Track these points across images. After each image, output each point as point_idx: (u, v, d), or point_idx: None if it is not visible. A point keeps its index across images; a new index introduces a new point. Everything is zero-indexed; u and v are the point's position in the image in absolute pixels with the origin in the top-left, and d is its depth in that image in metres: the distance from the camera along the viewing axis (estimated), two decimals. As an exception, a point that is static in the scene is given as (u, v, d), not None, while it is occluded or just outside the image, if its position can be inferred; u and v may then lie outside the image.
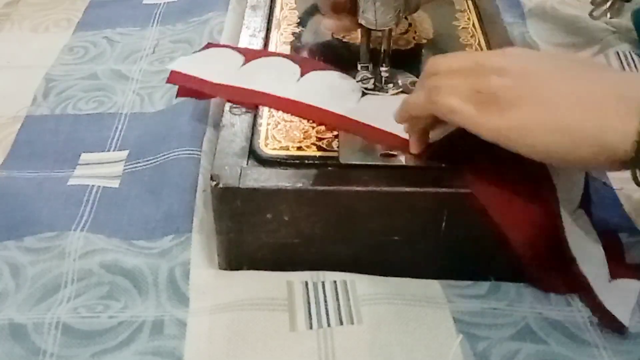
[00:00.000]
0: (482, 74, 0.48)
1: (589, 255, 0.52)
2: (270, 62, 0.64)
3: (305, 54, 0.66)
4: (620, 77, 0.49)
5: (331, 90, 0.60)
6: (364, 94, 0.60)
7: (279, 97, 0.59)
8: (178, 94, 0.67)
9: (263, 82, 0.61)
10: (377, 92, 0.59)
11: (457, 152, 0.51)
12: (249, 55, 0.65)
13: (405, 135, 0.55)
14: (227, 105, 0.59)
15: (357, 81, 0.59)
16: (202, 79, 0.64)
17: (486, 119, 0.47)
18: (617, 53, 0.78)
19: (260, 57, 0.65)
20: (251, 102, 0.59)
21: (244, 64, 0.64)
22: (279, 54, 0.65)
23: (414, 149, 0.54)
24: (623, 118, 0.44)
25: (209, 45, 0.68)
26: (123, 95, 0.74)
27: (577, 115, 0.45)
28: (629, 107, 0.44)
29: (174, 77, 0.65)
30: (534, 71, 0.48)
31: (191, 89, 0.64)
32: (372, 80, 0.59)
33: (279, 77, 0.61)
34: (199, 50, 0.68)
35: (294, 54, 0.66)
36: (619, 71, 0.52)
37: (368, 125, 0.56)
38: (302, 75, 0.61)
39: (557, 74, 0.48)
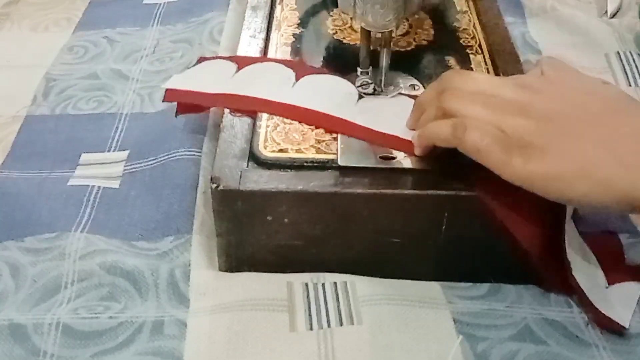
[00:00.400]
0: (507, 111, 0.48)
1: (583, 260, 0.52)
2: (264, 68, 0.63)
3: (299, 58, 0.65)
4: None
5: (327, 93, 0.59)
6: (362, 96, 0.59)
7: (275, 102, 0.58)
8: (177, 112, 0.65)
9: (258, 88, 0.60)
10: (375, 94, 0.59)
11: (459, 153, 0.51)
12: (242, 62, 0.64)
13: (405, 136, 0.55)
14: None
15: (357, 87, 0.59)
16: (197, 92, 0.62)
17: (511, 164, 0.47)
18: (618, 53, 0.78)
19: (253, 63, 0.64)
20: (248, 108, 0.58)
21: (237, 71, 0.63)
22: (272, 60, 0.64)
23: (418, 152, 0.54)
24: None
25: (201, 60, 0.67)
26: (123, 95, 0.74)
27: (606, 168, 0.45)
28: None
29: (170, 95, 0.63)
30: (560, 113, 0.48)
31: (189, 104, 0.63)
32: (372, 86, 0.59)
33: (274, 83, 0.61)
34: (192, 66, 0.67)
35: (288, 59, 0.65)
36: None
37: (367, 127, 0.56)
38: (297, 79, 0.61)
39: (585, 118, 0.47)
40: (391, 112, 0.57)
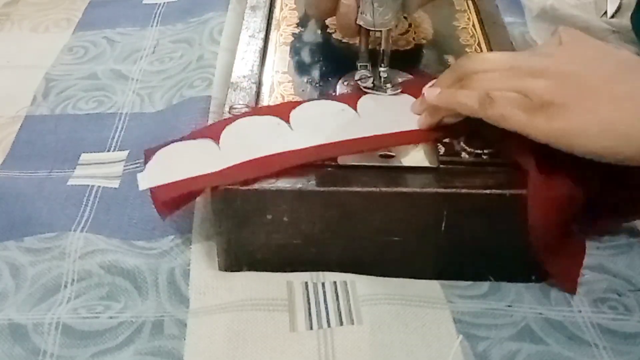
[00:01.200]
0: (527, 76, 0.50)
1: None
2: (250, 125, 0.57)
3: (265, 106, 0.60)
4: None
5: (324, 119, 0.57)
6: (363, 93, 0.59)
7: (288, 152, 0.54)
8: (162, 212, 0.55)
9: (257, 146, 0.54)
10: (376, 92, 0.59)
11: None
12: (214, 132, 0.56)
13: (405, 128, 0.55)
14: (227, 106, 0.59)
15: (356, 80, 0.59)
16: (184, 180, 0.53)
17: (536, 124, 0.49)
18: (618, 53, 0.78)
19: (225, 127, 0.56)
20: (260, 172, 0.52)
21: (217, 144, 0.55)
22: (248, 114, 0.58)
23: (424, 125, 0.55)
24: None
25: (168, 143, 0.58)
26: (123, 95, 0.74)
27: (626, 122, 0.47)
28: None
29: (160, 195, 0.53)
30: (577, 72, 0.50)
31: (177, 197, 0.54)
32: (370, 79, 0.59)
33: (270, 135, 0.55)
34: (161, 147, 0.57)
35: (265, 107, 0.59)
36: None
37: (369, 137, 0.55)
38: (288, 122, 0.57)
39: (602, 76, 0.49)
40: (392, 111, 0.57)
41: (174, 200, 0.54)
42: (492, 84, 0.51)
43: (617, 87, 0.49)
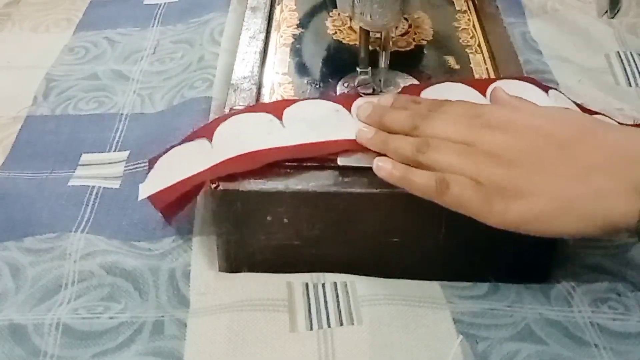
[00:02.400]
0: (481, 161, 0.48)
1: None
2: (240, 123, 0.57)
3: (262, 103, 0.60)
4: (620, 147, 0.48)
5: (317, 118, 0.56)
6: (359, 95, 0.59)
7: (276, 148, 0.54)
8: (167, 217, 0.57)
9: (247, 142, 0.54)
10: (374, 94, 0.59)
11: None
12: (208, 131, 0.57)
13: None
14: (227, 107, 0.59)
15: (357, 86, 0.59)
16: (182, 181, 0.54)
17: (494, 212, 0.47)
18: (618, 53, 0.78)
19: (219, 125, 0.57)
20: (246, 167, 0.53)
21: (210, 142, 0.56)
22: (242, 111, 0.58)
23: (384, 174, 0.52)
24: (626, 200, 0.45)
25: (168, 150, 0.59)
26: (123, 96, 0.74)
27: (585, 202, 0.46)
28: (630, 187, 0.45)
29: (157, 202, 0.55)
30: (530, 152, 0.48)
31: (173, 201, 0.55)
32: (371, 85, 0.59)
33: (261, 131, 0.55)
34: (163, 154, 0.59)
35: (260, 105, 0.60)
36: (619, 131, 0.51)
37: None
38: (281, 119, 0.56)
39: (555, 151, 0.48)
40: None
41: (171, 205, 0.55)
42: (444, 161, 0.49)
43: (572, 162, 0.47)
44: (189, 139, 0.58)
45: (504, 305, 0.53)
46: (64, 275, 0.55)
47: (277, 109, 0.57)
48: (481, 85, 0.58)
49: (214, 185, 0.51)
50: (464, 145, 0.50)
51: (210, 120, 0.61)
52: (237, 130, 0.56)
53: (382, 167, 0.51)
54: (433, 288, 0.54)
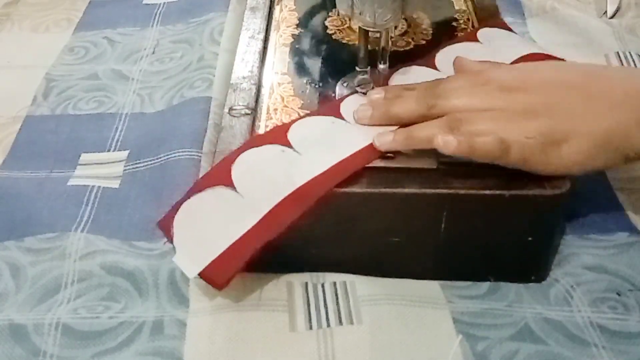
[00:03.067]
0: (520, 120, 0.50)
1: None
2: (257, 160, 0.54)
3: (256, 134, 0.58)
4: (626, 83, 0.52)
5: (323, 136, 0.55)
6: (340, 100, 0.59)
7: (313, 183, 0.51)
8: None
9: (275, 186, 0.52)
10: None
11: None
12: (221, 176, 0.53)
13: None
14: (227, 107, 0.59)
15: (356, 86, 0.59)
16: (229, 249, 0.50)
17: (551, 161, 0.50)
18: (618, 53, 0.78)
19: (230, 168, 0.53)
20: (296, 213, 0.51)
21: (234, 188, 0.52)
22: (246, 148, 0.54)
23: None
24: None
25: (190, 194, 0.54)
26: (123, 96, 0.74)
27: (613, 135, 0.50)
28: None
29: (215, 278, 0.50)
30: (560, 102, 0.51)
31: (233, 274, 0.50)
32: (370, 85, 0.59)
33: (281, 165, 0.53)
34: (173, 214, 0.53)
35: (258, 137, 0.56)
36: (616, 71, 0.58)
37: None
38: (290, 146, 0.54)
39: (577, 98, 0.51)
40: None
41: (230, 277, 0.50)
42: (487, 128, 0.50)
43: (592, 104, 0.51)
44: (200, 188, 0.53)
45: (503, 305, 0.53)
46: (63, 275, 0.55)
47: (280, 136, 0.55)
48: (430, 61, 0.61)
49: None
50: (494, 111, 0.51)
51: (213, 164, 0.55)
52: (257, 171, 0.53)
53: (447, 140, 0.50)
54: (433, 288, 0.54)
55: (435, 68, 0.61)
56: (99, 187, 0.63)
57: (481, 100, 0.52)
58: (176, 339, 0.50)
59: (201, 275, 0.50)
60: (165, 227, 0.52)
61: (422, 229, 0.52)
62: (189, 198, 0.53)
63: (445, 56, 0.62)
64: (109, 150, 0.68)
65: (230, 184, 0.52)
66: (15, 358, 0.49)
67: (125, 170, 0.65)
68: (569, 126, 0.50)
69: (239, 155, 0.54)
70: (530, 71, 0.54)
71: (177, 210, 0.53)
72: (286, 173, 0.52)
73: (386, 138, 0.53)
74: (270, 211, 0.51)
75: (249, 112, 0.59)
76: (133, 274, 0.55)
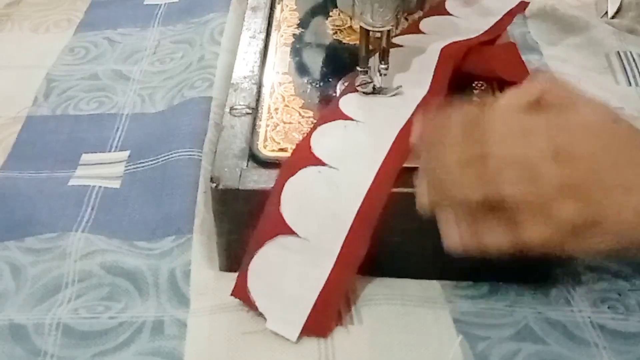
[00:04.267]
0: (555, 193, 0.43)
1: None
2: (306, 197, 0.52)
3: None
4: None
5: (348, 145, 0.54)
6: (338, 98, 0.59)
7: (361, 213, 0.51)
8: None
9: (334, 220, 0.51)
10: (375, 95, 0.59)
11: None
12: (275, 224, 0.51)
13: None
14: (227, 107, 0.59)
15: (357, 86, 0.59)
16: (319, 300, 0.50)
17: (574, 243, 0.43)
18: (618, 53, 0.78)
19: (279, 212, 0.51)
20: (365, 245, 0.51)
21: (295, 235, 0.51)
22: (281, 183, 0.52)
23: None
24: None
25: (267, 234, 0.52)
26: (124, 96, 0.74)
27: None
28: None
29: (318, 330, 0.50)
30: (599, 182, 0.44)
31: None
32: (371, 85, 0.59)
33: (324, 190, 0.52)
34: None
35: (285, 169, 0.53)
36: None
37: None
38: (324, 164, 0.53)
39: (618, 162, 0.44)
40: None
41: (332, 327, 0.50)
42: (516, 193, 0.43)
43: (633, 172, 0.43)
44: (260, 244, 0.51)
45: (504, 304, 0.53)
46: (64, 275, 0.55)
47: (307, 155, 0.53)
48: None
49: (214, 185, 0.51)
50: (532, 167, 0.43)
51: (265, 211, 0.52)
52: (309, 206, 0.51)
53: (452, 243, 0.46)
54: (433, 288, 0.54)
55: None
56: (100, 187, 0.63)
57: (526, 152, 0.44)
58: (176, 339, 0.50)
59: (303, 334, 0.49)
60: (243, 295, 0.51)
61: (423, 228, 0.52)
62: (252, 257, 0.51)
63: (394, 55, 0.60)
64: (109, 151, 0.68)
65: (289, 231, 0.51)
66: (15, 358, 0.49)
67: (126, 170, 0.65)
68: (606, 205, 0.43)
69: (281, 192, 0.51)
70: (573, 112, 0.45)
71: (246, 273, 0.51)
72: (336, 198, 0.51)
73: (454, 236, 0.48)
74: (342, 248, 0.50)
75: (250, 111, 0.59)
76: (133, 273, 0.55)
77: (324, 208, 0.51)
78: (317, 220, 0.51)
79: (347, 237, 0.50)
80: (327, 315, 0.50)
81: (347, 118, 0.56)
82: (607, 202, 0.43)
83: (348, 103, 0.58)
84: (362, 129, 0.56)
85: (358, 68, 0.59)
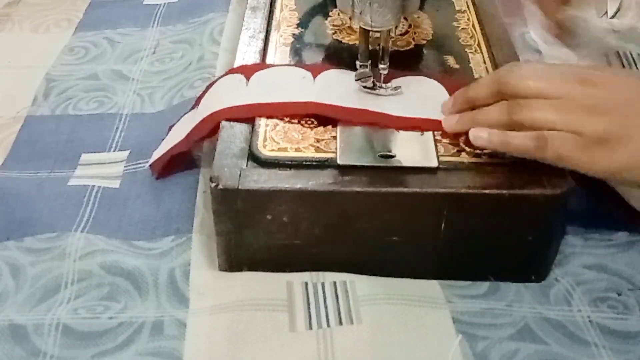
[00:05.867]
0: (579, 111, 0.49)
1: None
2: (275, 73, 0.62)
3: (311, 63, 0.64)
4: None
5: (350, 87, 0.59)
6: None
7: (301, 103, 0.58)
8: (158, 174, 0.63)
9: (279, 92, 0.59)
10: (375, 92, 0.59)
11: None
12: (249, 71, 0.62)
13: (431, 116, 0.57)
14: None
15: (356, 80, 0.59)
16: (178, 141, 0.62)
17: (596, 161, 0.49)
18: (618, 53, 0.78)
19: (261, 69, 0.62)
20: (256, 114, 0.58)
21: (247, 81, 0.61)
22: (285, 65, 0.64)
23: (451, 129, 0.55)
24: None
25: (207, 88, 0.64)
26: (123, 96, 0.74)
27: None
28: None
29: (155, 167, 0.63)
30: (630, 102, 0.49)
31: (171, 158, 0.62)
32: (371, 79, 0.59)
33: (291, 83, 0.60)
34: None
35: (305, 64, 0.63)
36: None
37: (401, 117, 0.57)
38: (314, 77, 0.60)
39: None
40: (416, 96, 0.58)
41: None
42: (542, 118, 0.50)
43: None
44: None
45: (503, 304, 0.53)
46: (63, 275, 0.55)
47: (316, 70, 0.61)
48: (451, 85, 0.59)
49: (214, 184, 0.51)
50: (558, 100, 0.50)
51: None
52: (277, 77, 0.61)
53: (479, 135, 0.52)
54: (433, 287, 0.54)
55: None
56: (99, 187, 0.63)
57: (555, 86, 0.51)
58: (176, 339, 0.50)
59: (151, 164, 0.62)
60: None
61: (422, 228, 0.52)
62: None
63: None
64: (109, 151, 0.68)
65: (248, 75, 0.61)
66: (15, 358, 0.49)
67: (125, 170, 0.65)
68: (631, 129, 0.48)
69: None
70: (608, 72, 0.53)
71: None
72: (292, 88, 0.60)
73: (451, 121, 0.55)
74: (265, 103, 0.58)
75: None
76: (133, 273, 0.55)
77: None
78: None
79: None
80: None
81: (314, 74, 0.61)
82: (634, 121, 0.48)
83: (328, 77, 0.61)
84: (311, 84, 0.60)
85: (358, 62, 0.59)
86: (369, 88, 0.59)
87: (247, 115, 0.57)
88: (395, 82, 0.59)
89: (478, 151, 0.54)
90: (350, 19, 0.67)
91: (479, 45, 0.67)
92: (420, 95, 0.59)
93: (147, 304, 0.53)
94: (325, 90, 0.59)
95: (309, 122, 0.57)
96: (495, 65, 0.63)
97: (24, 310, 0.52)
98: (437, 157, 0.53)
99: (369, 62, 0.59)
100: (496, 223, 0.52)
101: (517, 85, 0.52)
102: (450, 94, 0.58)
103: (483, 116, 0.53)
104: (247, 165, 0.54)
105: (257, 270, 0.55)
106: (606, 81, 0.51)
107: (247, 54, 0.66)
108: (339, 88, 0.59)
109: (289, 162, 0.53)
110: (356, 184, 0.51)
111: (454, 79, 0.61)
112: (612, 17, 0.83)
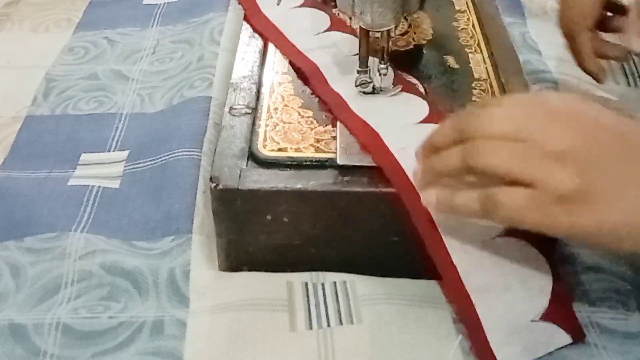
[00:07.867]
0: (539, 161, 0.42)
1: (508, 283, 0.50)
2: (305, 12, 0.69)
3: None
4: None
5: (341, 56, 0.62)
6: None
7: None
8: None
9: (292, 27, 0.66)
10: (374, 93, 0.59)
11: None
12: None
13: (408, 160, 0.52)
14: (227, 107, 0.59)
15: (356, 85, 0.59)
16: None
17: (555, 223, 0.42)
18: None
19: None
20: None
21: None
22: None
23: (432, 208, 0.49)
24: None
25: None
26: (123, 96, 0.74)
27: None
28: None
29: None
30: (599, 155, 0.42)
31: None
32: (371, 85, 0.59)
33: (305, 26, 0.66)
34: None
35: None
36: None
37: (373, 131, 0.55)
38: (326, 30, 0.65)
39: (622, 156, 0.42)
40: (393, 112, 0.57)
41: None
42: (497, 164, 0.43)
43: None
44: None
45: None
46: (63, 274, 0.55)
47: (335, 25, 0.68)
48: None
49: (214, 184, 0.51)
50: (521, 143, 0.43)
51: None
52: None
53: (428, 201, 0.48)
54: (433, 288, 0.54)
55: None
56: (99, 187, 0.63)
57: (516, 127, 0.44)
58: (176, 339, 0.50)
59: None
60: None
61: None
62: None
63: None
64: (109, 150, 0.68)
65: None
66: (15, 358, 0.49)
67: (125, 170, 0.65)
68: (600, 188, 0.41)
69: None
70: (590, 108, 0.45)
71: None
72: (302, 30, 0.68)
73: (417, 176, 0.50)
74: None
75: (250, 111, 0.59)
76: (133, 273, 0.55)
77: None
78: None
79: None
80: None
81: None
82: (610, 177, 0.41)
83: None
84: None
85: (357, 68, 0.59)
86: (369, 93, 0.59)
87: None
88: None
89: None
90: (350, 19, 0.67)
91: (479, 45, 0.67)
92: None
93: (147, 303, 0.53)
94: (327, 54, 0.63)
95: (309, 122, 0.57)
96: (495, 66, 0.63)
97: (24, 310, 0.52)
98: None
99: (369, 67, 0.59)
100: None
101: (476, 122, 0.45)
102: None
103: (439, 162, 0.47)
104: (247, 166, 0.54)
105: (257, 270, 0.55)
106: (585, 124, 0.43)
107: (247, 54, 0.66)
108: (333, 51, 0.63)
109: (289, 162, 0.53)
110: (356, 184, 0.51)
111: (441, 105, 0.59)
112: (612, 17, 0.83)
